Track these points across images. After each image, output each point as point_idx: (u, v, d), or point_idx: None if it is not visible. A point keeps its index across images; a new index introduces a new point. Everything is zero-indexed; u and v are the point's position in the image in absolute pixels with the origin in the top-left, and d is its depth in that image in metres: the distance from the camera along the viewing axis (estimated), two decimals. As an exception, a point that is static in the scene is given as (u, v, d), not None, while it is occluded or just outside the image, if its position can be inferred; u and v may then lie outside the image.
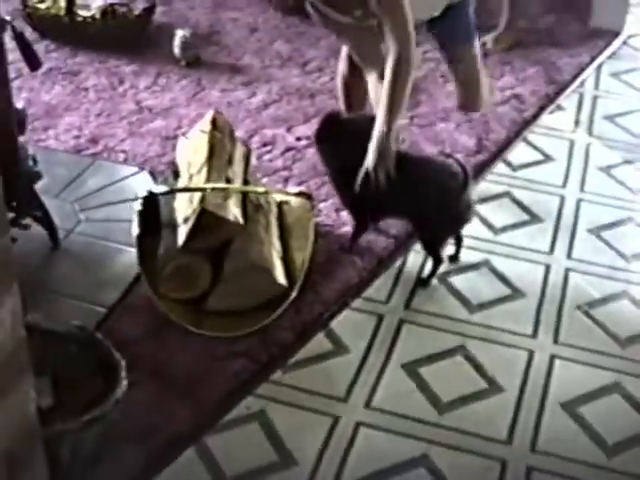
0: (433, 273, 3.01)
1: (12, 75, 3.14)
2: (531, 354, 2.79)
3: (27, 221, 2.94)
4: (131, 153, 3.54)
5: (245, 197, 2.92)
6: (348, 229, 3.14)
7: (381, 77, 2.97)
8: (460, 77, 3.38)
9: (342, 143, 2.96)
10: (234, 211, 2.78)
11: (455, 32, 3.29)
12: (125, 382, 2.28)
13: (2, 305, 1.73)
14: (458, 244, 3.08)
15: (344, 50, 3.38)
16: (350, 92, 3.41)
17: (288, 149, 3.61)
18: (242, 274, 2.75)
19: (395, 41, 2.92)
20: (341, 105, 3.45)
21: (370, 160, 2.86)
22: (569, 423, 2.58)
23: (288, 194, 3.08)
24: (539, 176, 3.54)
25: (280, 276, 2.80)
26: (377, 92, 3.01)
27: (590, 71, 4.30)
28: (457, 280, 3.04)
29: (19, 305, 1.78)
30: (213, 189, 2.80)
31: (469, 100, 3.43)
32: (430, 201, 2.91)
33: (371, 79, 3.09)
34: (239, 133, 3.49)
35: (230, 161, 3.00)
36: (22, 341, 1.82)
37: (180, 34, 4.17)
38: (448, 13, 3.20)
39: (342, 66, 3.41)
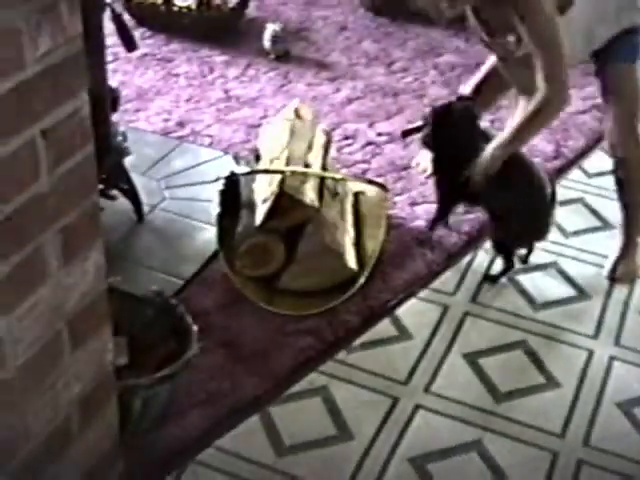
0: (503, 274, 3.11)
1: (109, 58, 3.33)
2: (591, 354, 2.87)
3: (115, 193, 3.11)
4: (216, 138, 3.71)
5: (322, 183, 3.04)
6: (421, 223, 3.26)
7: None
8: (617, 106, 3.06)
9: (453, 130, 3.05)
10: (311, 195, 2.91)
11: (618, 52, 3.00)
12: (197, 345, 2.42)
13: (87, 258, 1.89)
14: (529, 250, 3.17)
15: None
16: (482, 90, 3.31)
17: (368, 143, 3.74)
18: (315, 256, 2.88)
19: (545, 79, 2.77)
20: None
21: (475, 170, 2.94)
22: (623, 422, 2.67)
23: (364, 182, 3.20)
24: (612, 184, 3.60)
25: (351, 261, 2.93)
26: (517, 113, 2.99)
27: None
28: (524, 279, 3.13)
29: (102, 260, 1.94)
30: (292, 172, 2.93)
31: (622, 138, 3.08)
32: (521, 204, 3.00)
33: (522, 102, 3.00)
34: (322, 126, 3.63)
35: (310, 147, 3.13)
36: (103, 293, 1.97)
37: (271, 28, 4.33)
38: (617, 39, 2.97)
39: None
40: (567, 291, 3.11)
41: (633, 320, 3.01)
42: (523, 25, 2.77)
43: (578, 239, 3.33)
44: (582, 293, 3.10)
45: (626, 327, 2.98)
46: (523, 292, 3.08)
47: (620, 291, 3.12)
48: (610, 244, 3.29)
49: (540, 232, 3.09)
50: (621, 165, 3.10)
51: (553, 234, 3.31)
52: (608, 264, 3.18)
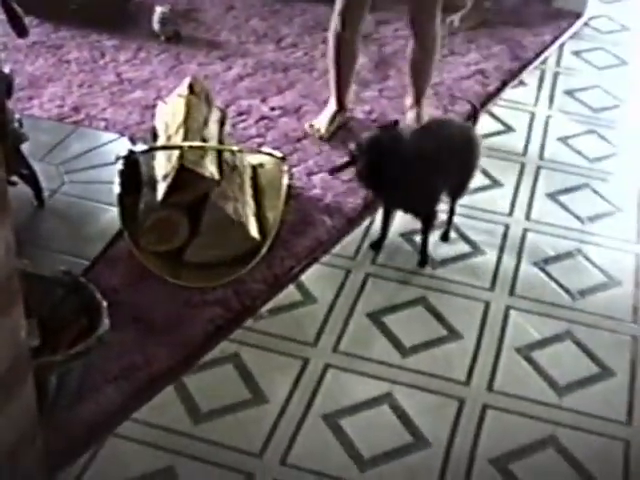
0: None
1: (-1, 47, 3.30)
2: (488, 305, 2.97)
3: (14, 180, 3.09)
4: (112, 121, 3.70)
5: (221, 157, 3.08)
6: (318, 191, 3.32)
7: None
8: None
9: (387, 159, 2.91)
10: (210, 168, 2.95)
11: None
12: (107, 321, 2.44)
13: (-4, 237, 1.89)
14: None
15: (337, 6, 3.55)
16: (341, 48, 3.62)
17: (262, 118, 3.77)
18: (218, 228, 2.91)
19: None
20: (330, 62, 3.68)
21: None
22: (523, 365, 2.78)
23: (262, 153, 3.25)
24: (501, 145, 3.72)
25: (253, 231, 2.97)
26: None
27: (553, 49, 4.48)
28: (420, 238, 3.22)
29: (12, 237, 1.94)
30: (190, 147, 2.96)
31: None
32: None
33: None
34: (216, 103, 3.65)
35: (206, 123, 3.16)
36: (14, 270, 1.98)
37: (159, 10, 4.32)
38: None
39: (334, 23, 3.59)
40: (462, 248, 3.21)
41: (525, 271, 3.12)
42: None
43: (470, 198, 3.42)
44: (476, 249, 3.20)
45: (519, 278, 3.09)
46: (419, 251, 3.17)
47: (511, 245, 3.23)
48: (501, 203, 3.41)
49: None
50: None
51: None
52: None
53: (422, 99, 3.70)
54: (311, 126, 3.66)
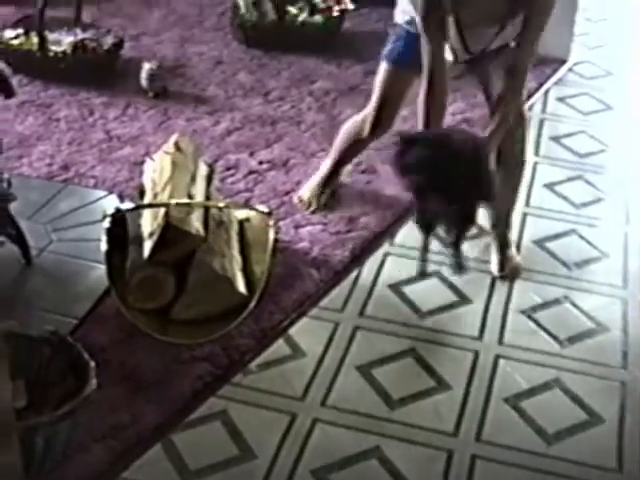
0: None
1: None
2: (477, 354, 2.97)
3: (1, 239, 3.11)
4: (101, 178, 3.72)
5: (207, 213, 3.09)
6: (305, 244, 3.34)
7: None
8: None
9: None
10: (196, 225, 2.96)
11: None
12: (95, 380, 2.44)
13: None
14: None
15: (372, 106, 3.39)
16: (357, 149, 3.59)
17: (250, 172, 3.80)
18: (204, 284, 2.92)
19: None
20: (337, 150, 3.60)
21: None
22: (511, 415, 2.77)
23: (248, 208, 3.26)
24: None
25: (241, 286, 2.98)
26: None
27: (538, 96, 4.53)
28: (408, 289, 3.23)
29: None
30: (176, 204, 2.98)
31: None
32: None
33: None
34: (204, 158, 3.68)
35: (193, 179, 3.18)
36: (-4, 332, 1.98)
37: (147, 67, 4.36)
38: None
39: (358, 123, 3.49)
40: (450, 297, 3.22)
41: (513, 319, 3.13)
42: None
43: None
44: (464, 298, 3.21)
45: (507, 326, 3.10)
46: (408, 302, 3.18)
47: (499, 293, 3.24)
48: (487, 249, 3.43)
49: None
50: None
51: (433, 244, 3.43)
52: (494, 264, 3.33)
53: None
54: (301, 200, 3.62)
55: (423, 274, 3.19)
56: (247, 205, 3.37)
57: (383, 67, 3.32)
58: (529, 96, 4.43)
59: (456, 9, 2.91)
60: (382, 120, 3.38)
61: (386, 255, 3.38)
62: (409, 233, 3.49)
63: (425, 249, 3.11)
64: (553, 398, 2.84)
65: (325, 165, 3.67)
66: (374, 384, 2.85)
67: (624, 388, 2.89)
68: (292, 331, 3.02)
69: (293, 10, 4.92)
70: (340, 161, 3.62)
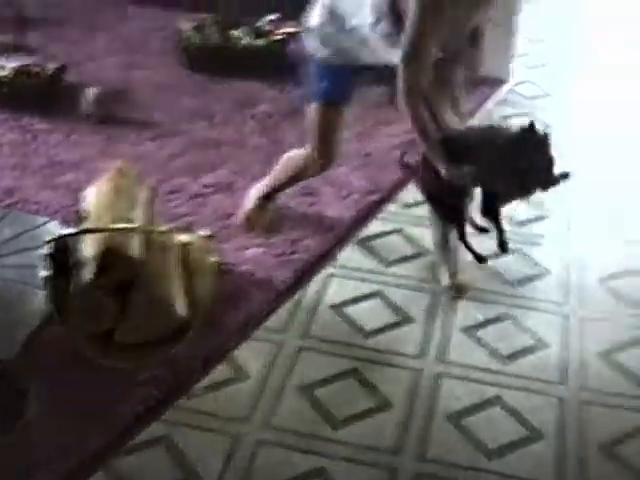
0: (502, 239, 3.37)
1: None
2: (419, 373, 2.99)
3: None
4: (43, 204, 3.72)
5: (148, 238, 3.09)
6: (249, 267, 3.35)
7: None
8: None
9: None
10: (137, 249, 2.96)
11: None
12: (35, 407, 2.44)
13: None
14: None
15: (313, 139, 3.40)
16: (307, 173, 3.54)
17: (194, 196, 3.81)
18: (147, 308, 2.92)
19: None
20: (283, 172, 3.58)
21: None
22: (454, 433, 2.80)
23: (188, 232, 3.27)
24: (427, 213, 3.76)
25: (182, 309, 2.98)
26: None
27: (479, 116, 4.58)
28: (352, 310, 3.26)
29: None
30: (117, 229, 2.98)
31: None
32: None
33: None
34: (148, 183, 3.67)
35: (134, 204, 3.18)
36: None
37: (91, 92, 4.36)
38: None
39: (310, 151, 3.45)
40: (392, 317, 3.24)
41: (455, 337, 3.16)
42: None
43: (399, 267, 3.48)
44: (406, 317, 3.24)
45: (449, 344, 3.13)
46: (351, 322, 3.20)
47: (441, 311, 3.27)
48: (430, 268, 3.46)
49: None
50: None
51: (375, 264, 3.46)
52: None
53: None
54: (248, 219, 3.63)
55: (482, 259, 3.41)
56: (188, 229, 3.38)
57: (313, 108, 3.34)
58: (471, 115, 4.53)
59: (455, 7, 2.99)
60: (328, 158, 3.40)
61: (329, 276, 3.41)
62: (351, 255, 3.53)
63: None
64: (494, 415, 2.87)
65: (261, 188, 3.64)
66: (317, 405, 2.86)
67: (563, 404, 2.93)
68: (236, 353, 3.03)
69: (237, 34, 4.95)
70: (279, 189, 3.62)
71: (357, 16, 3.12)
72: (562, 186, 3.63)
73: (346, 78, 3.30)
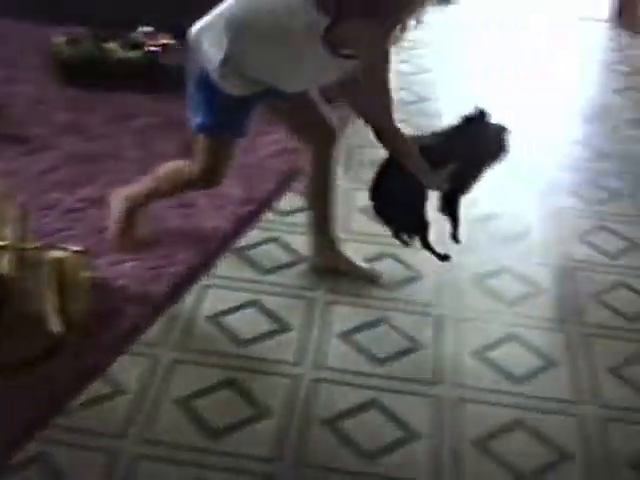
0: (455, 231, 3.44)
1: None
2: (296, 379, 3.01)
3: None
4: None
5: (20, 255, 3.04)
6: (123, 281, 3.32)
7: None
8: None
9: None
10: (7, 267, 2.91)
11: None
12: None
13: None
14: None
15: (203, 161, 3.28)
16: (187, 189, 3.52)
17: (69, 210, 3.76)
18: (19, 327, 2.87)
19: None
20: (164, 186, 3.48)
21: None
22: (331, 438, 2.82)
23: (61, 249, 3.22)
24: (305, 220, 3.71)
25: (56, 326, 2.94)
26: None
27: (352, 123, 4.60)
28: (228, 319, 3.26)
29: None
30: (-15, 248, 2.93)
31: None
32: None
33: None
34: (21, 199, 3.62)
35: (4, 221, 3.13)
36: None
37: (-39, 109, 4.28)
38: None
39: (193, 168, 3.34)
40: (269, 325, 3.25)
41: (332, 343, 3.19)
42: None
43: (276, 275, 3.49)
44: (283, 324, 3.25)
45: (326, 350, 3.15)
46: (228, 332, 3.20)
47: (318, 318, 3.30)
48: (306, 275, 3.48)
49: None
50: None
51: (252, 274, 3.47)
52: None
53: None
54: (118, 232, 3.56)
55: (445, 257, 3.45)
56: (59, 245, 3.33)
57: (201, 138, 3.24)
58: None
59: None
60: (216, 180, 3.32)
61: (205, 288, 3.40)
62: (228, 265, 3.53)
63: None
64: (371, 418, 2.90)
65: (131, 198, 3.54)
66: (195, 416, 2.85)
67: (438, 403, 2.98)
68: (112, 369, 3.00)
69: (111, 46, 4.91)
70: (152, 200, 3.55)
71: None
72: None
73: (248, 109, 3.22)
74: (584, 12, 6.73)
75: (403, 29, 2.98)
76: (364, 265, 3.56)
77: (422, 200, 3.32)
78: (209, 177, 3.30)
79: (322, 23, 2.91)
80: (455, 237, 3.43)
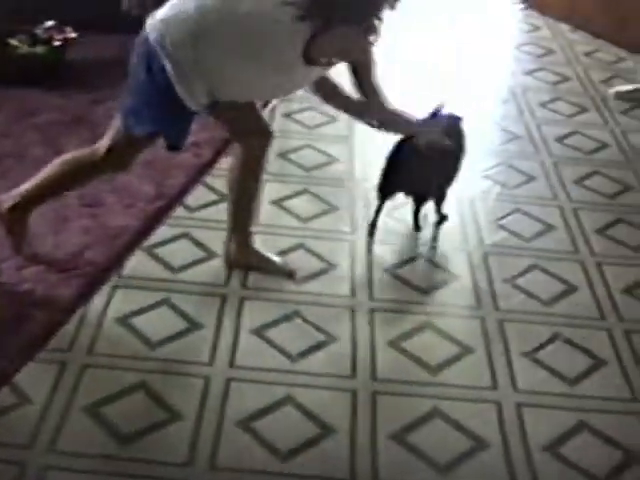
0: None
1: None
2: (208, 380, 2.94)
3: None
4: None
5: None
6: (29, 285, 3.22)
7: None
8: None
9: None
10: None
11: None
12: None
13: None
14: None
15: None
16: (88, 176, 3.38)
17: (-30, 215, 3.63)
18: None
19: None
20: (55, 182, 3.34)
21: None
22: (244, 438, 2.76)
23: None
24: (215, 215, 3.71)
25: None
26: None
27: (265, 114, 4.53)
28: (137, 320, 3.17)
29: None
30: None
31: None
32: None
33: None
34: None
35: None
36: None
37: None
38: None
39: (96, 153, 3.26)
40: (180, 324, 3.17)
41: (244, 340, 3.12)
42: None
43: (187, 273, 3.41)
44: (194, 324, 3.17)
45: (238, 348, 3.08)
46: (138, 334, 3.11)
47: (229, 315, 3.23)
48: (218, 271, 3.41)
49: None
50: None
51: (162, 272, 3.39)
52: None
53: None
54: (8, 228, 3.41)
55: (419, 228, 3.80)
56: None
57: (132, 134, 3.12)
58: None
59: None
60: (119, 166, 3.26)
61: (114, 288, 3.30)
62: (138, 264, 3.44)
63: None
64: (285, 415, 2.85)
65: (25, 194, 3.36)
66: (105, 423, 2.76)
67: (354, 396, 2.93)
68: (18, 377, 2.89)
69: (14, 42, 4.76)
70: (49, 196, 3.40)
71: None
72: (345, 179, 3.70)
73: (192, 119, 3.15)
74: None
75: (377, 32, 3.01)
76: (277, 259, 3.49)
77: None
78: (116, 161, 3.22)
79: (305, 32, 2.90)
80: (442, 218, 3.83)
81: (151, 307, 3.23)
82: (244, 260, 3.45)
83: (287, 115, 4.62)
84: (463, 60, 5.60)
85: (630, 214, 4.06)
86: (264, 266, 3.46)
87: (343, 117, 4.49)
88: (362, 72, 3.14)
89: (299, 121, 4.58)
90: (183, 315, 3.21)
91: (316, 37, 2.90)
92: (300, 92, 4.63)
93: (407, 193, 3.72)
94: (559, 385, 3.04)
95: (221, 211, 3.68)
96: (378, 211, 3.69)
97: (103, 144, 3.21)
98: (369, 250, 3.64)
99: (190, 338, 3.12)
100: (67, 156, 3.37)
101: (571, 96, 5.19)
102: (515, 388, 3.01)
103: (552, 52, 5.84)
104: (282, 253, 3.56)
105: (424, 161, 3.50)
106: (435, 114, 3.56)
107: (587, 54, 5.82)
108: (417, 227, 3.78)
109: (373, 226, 3.70)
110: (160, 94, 3.00)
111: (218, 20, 2.93)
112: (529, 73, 5.49)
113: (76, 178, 3.37)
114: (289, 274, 3.44)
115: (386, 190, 3.66)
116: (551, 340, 3.23)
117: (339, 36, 2.94)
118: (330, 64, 3.09)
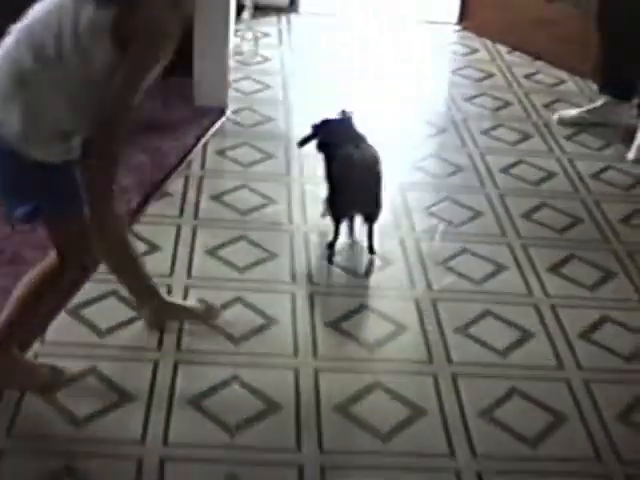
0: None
1: None
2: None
3: None
4: None
5: None
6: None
7: None
8: None
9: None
10: None
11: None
12: None
13: None
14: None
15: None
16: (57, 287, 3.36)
17: None
18: None
19: None
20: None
21: None
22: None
23: None
24: (148, 267, 3.74)
25: None
26: None
27: (196, 151, 5.01)
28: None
29: None
30: None
31: None
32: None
33: None
34: None
35: None
36: None
37: None
38: None
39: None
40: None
41: (178, 414, 3.39)
42: None
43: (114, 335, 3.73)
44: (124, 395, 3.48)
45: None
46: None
47: (163, 384, 3.51)
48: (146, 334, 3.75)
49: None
50: None
51: (90, 336, 3.70)
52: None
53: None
54: None
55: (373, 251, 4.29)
56: None
57: (67, 220, 3.14)
58: (188, 151, 4.95)
59: None
60: (93, 262, 3.57)
61: (34, 357, 3.54)
62: (60, 328, 3.69)
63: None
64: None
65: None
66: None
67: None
68: None
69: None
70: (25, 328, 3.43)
71: None
72: (283, 222, 4.46)
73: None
74: (430, 15, 7.30)
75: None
76: (197, 304, 3.85)
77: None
78: (85, 261, 3.33)
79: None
80: (371, 249, 4.29)
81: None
82: (163, 318, 3.74)
83: (220, 152, 5.07)
84: (397, 87, 6.13)
85: (580, 249, 4.51)
86: (187, 316, 3.79)
87: (279, 154, 5.11)
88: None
89: (234, 159, 5.02)
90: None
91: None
92: (231, 127, 5.27)
93: (360, 211, 4.31)
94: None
95: (153, 262, 4.00)
96: (336, 234, 4.25)
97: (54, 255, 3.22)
98: (311, 302, 4.04)
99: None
100: (28, 279, 3.30)
101: (513, 121, 5.77)
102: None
103: (491, 75, 6.44)
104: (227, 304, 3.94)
105: (370, 176, 4.21)
106: (326, 120, 4.39)
107: (527, 76, 6.44)
108: (371, 250, 4.31)
109: (332, 249, 4.27)
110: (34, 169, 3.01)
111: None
112: (468, 99, 6.04)
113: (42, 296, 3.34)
114: (214, 314, 3.82)
115: (340, 212, 4.28)
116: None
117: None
118: None
